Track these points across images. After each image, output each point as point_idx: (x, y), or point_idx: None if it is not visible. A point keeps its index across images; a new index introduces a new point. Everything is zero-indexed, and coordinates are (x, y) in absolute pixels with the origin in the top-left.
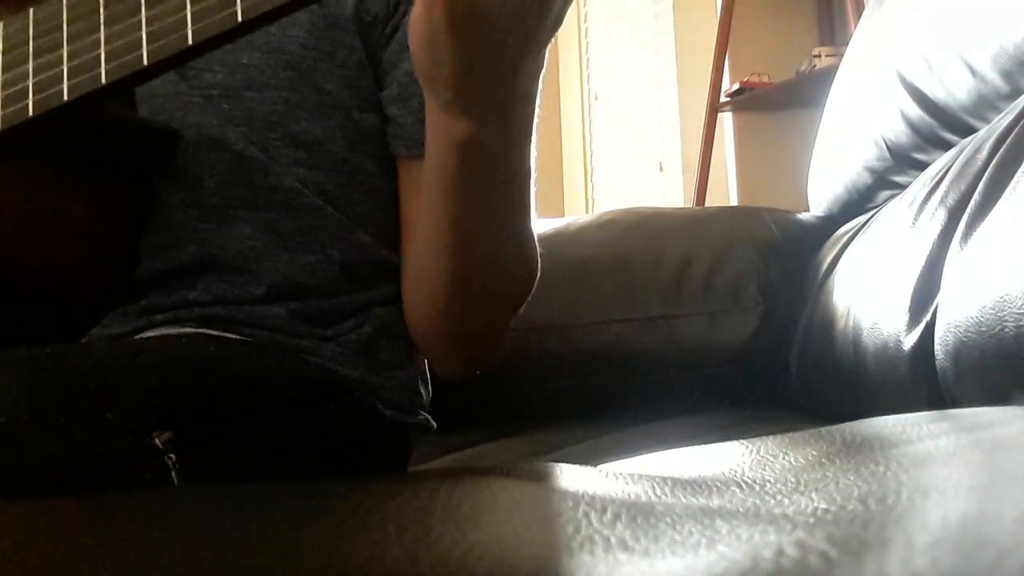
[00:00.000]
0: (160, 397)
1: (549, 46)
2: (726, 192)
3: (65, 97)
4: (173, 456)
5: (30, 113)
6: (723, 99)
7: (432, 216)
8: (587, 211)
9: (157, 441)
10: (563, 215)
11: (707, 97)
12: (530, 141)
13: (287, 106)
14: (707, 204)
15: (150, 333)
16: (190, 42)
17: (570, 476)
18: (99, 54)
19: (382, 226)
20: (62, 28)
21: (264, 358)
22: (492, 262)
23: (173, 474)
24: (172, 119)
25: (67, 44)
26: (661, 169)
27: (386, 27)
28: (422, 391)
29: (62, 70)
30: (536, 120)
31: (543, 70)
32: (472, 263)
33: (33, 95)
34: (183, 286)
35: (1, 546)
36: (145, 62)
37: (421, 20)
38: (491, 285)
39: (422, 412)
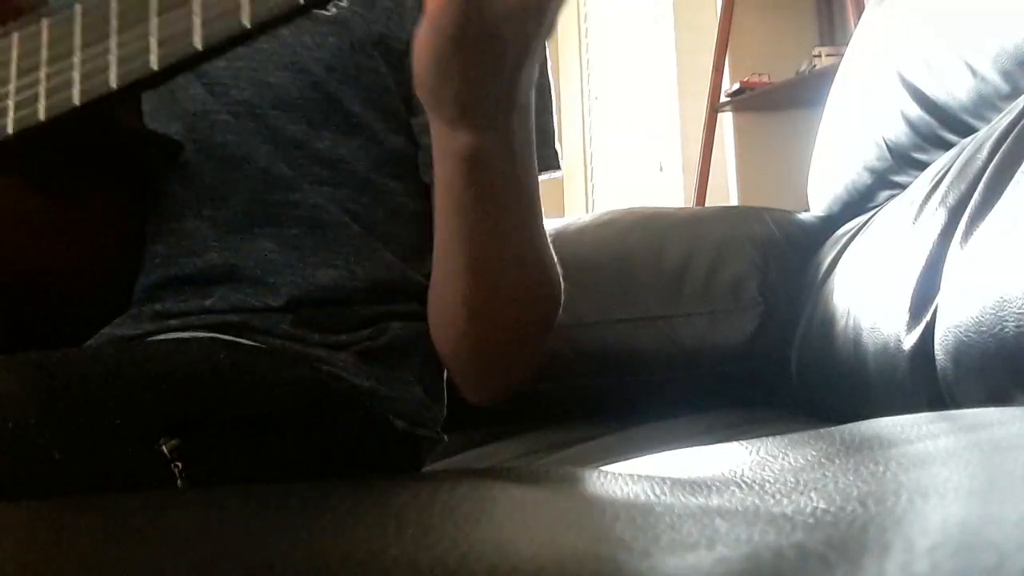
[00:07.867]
0: (168, 404)
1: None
2: (726, 192)
3: (76, 101)
4: (180, 464)
5: (41, 117)
6: (723, 99)
7: (444, 240)
8: (587, 211)
9: (164, 448)
10: (563, 215)
11: (707, 97)
12: (533, 157)
13: (312, 126)
14: (707, 204)
15: (162, 337)
16: (199, 48)
17: (570, 476)
18: (110, 59)
19: (407, 245)
20: (73, 36)
21: (275, 365)
22: (507, 286)
23: (179, 481)
24: (201, 135)
25: (80, 51)
26: (661, 169)
27: None
28: (436, 409)
29: (73, 75)
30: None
31: (535, 80)
32: (487, 287)
33: (45, 99)
34: (198, 294)
35: (2, 546)
36: (154, 67)
37: (429, 44)
38: (509, 310)
39: (434, 427)
